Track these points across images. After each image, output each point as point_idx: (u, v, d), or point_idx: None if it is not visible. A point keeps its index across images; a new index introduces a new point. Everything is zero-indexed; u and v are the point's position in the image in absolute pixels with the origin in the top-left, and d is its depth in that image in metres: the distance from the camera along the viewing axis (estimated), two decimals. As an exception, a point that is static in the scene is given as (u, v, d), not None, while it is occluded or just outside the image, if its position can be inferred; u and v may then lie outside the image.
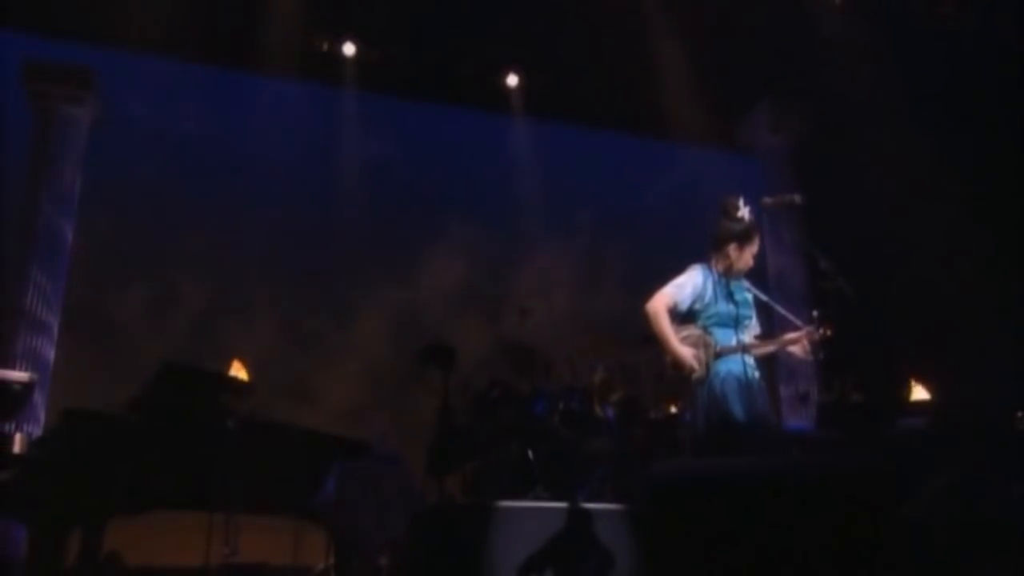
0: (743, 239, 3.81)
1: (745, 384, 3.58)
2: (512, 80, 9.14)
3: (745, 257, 3.83)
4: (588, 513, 4.57)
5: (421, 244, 9.22)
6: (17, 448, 3.96)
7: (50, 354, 7.30)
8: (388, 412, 8.14)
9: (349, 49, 8.67)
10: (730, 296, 3.76)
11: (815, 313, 3.59)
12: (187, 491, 4.70)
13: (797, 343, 3.70)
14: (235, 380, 5.08)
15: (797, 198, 3.89)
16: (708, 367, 3.63)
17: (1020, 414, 4.92)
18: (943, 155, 7.55)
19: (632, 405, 5.97)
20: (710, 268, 3.85)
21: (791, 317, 3.81)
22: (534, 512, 4.63)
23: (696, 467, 2.69)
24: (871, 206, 7.83)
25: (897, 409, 5.71)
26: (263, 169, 8.78)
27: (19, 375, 4.07)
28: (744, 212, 3.83)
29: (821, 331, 3.54)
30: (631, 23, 8.01)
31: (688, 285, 3.78)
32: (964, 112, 7.75)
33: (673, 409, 6.24)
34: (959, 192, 7.28)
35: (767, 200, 3.98)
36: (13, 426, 4.70)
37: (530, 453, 5.50)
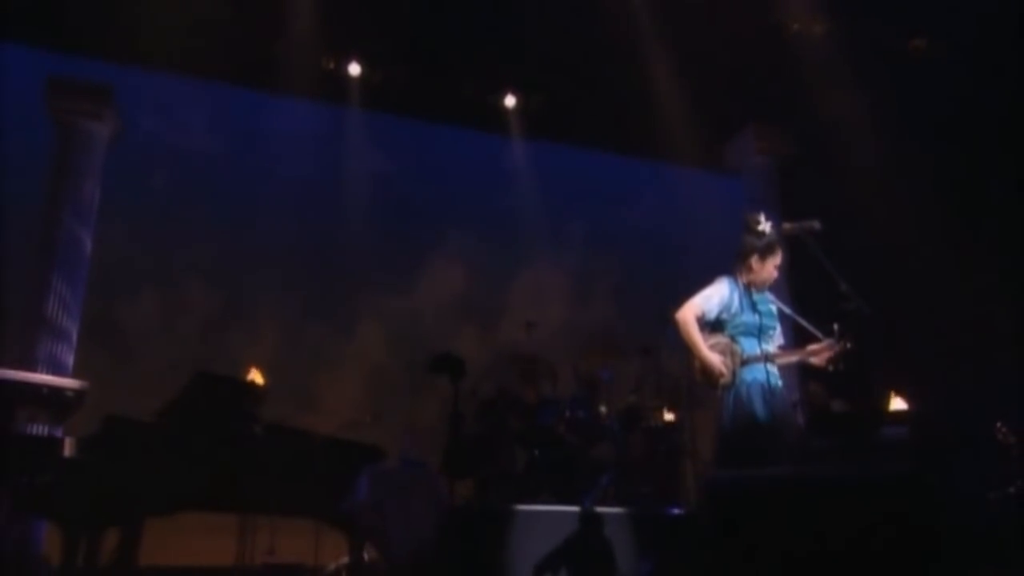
0: (764, 252, 3.92)
1: (769, 391, 3.68)
2: (510, 101, 9.29)
3: (768, 269, 3.93)
4: (599, 516, 4.79)
5: (421, 256, 9.36)
6: (67, 451, 4.04)
7: (69, 360, 7.31)
8: (387, 418, 8.29)
9: (355, 69, 8.78)
10: (755, 307, 3.86)
11: (836, 327, 3.66)
12: (216, 493, 4.81)
13: (819, 355, 3.77)
14: (260, 388, 5.18)
15: (816, 224, 3.87)
16: (735, 374, 3.73)
17: (998, 424, 5.15)
18: (919, 174, 7.81)
19: (633, 413, 6.16)
20: (736, 280, 3.95)
21: (813, 330, 3.86)
22: (550, 516, 4.77)
23: (753, 475, 2.81)
24: (849, 224, 8.08)
25: (878, 419, 5.92)
26: (269, 183, 8.87)
27: (72, 382, 4.17)
28: (766, 227, 3.93)
29: (842, 344, 3.64)
30: (624, 49, 8.17)
31: (715, 296, 3.89)
32: (938, 135, 7.99)
33: (669, 417, 6.46)
34: (936, 209, 7.52)
35: (787, 226, 3.95)
36: (44, 429, 4.80)
37: (536, 452, 5.65)
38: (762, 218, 3.97)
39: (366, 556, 5.10)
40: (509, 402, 6.02)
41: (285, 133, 8.89)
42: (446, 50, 8.56)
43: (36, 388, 4.02)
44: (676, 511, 5.34)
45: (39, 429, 4.49)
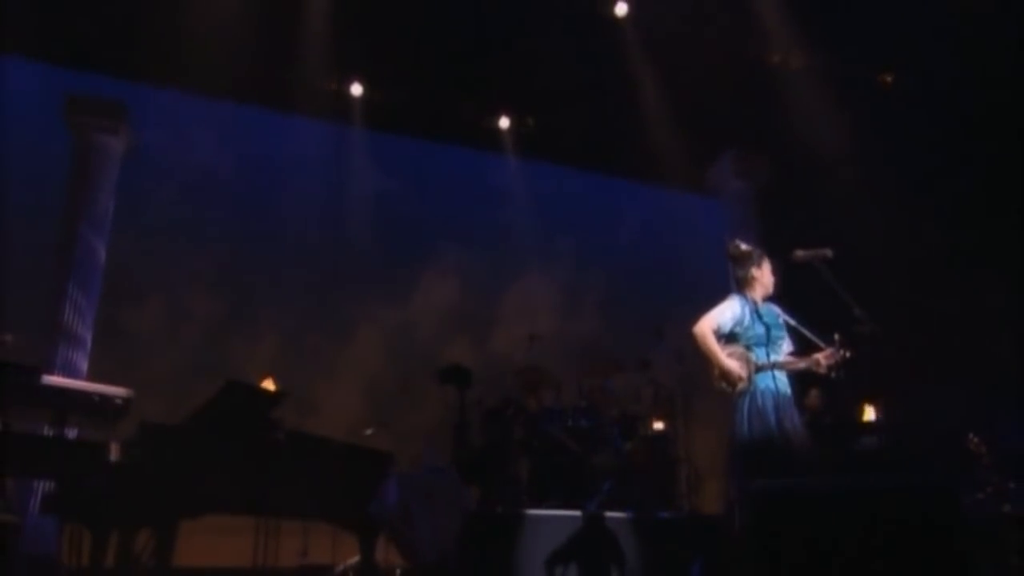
0: (759, 261, 4.21)
1: (778, 397, 3.92)
2: (504, 122, 9.50)
3: (767, 274, 4.20)
4: (602, 520, 4.98)
5: (417, 268, 9.48)
6: (113, 456, 4.13)
7: (84, 365, 7.34)
8: (384, 423, 8.41)
9: (357, 90, 8.92)
10: (762, 319, 4.09)
11: (836, 336, 3.85)
12: (241, 496, 4.92)
13: (820, 364, 3.94)
14: (282, 395, 5.29)
15: (828, 252, 4.03)
16: (750, 380, 3.95)
17: (970, 435, 5.44)
18: (892, 198, 8.11)
19: (631, 423, 6.37)
20: (745, 297, 4.17)
21: (815, 338, 4.02)
22: (558, 520, 4.93)
23: (793, 485, 2.99)
24: (826, 244, 8.34)
25: (855, 429, 6.20)
26: (272, 197, 8.98)
27: (119, 390, 4.25)
28: (744, 245, 4.24)
29: (843, 352, 3.83)
30: (612, 76, 8.44)
31: (728, 311, 4.10)
32: (911, 160, 8.30)
33: (659, 425, 6.68)
34: (908, 229, 7.82)
35: (800, 253, 4.09)
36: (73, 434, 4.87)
37: (540, 459, 5.79)
38: (737, 241, 4.29)
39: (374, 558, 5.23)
40: (514, 411, 6.17)
41: (289, 149, 9.01)
42: (444, 73, 8.73)
43: (88, 396, 4.11)
44: (669, 515, 5.61)
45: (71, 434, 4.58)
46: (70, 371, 7.04)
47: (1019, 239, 7.01)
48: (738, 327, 4.09)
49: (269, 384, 6.50)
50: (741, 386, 3.96)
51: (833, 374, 3.90)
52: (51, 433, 4.11)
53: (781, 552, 2.55)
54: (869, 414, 6.82)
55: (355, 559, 5.55)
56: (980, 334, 7.06)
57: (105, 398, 4.09)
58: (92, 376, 7.49)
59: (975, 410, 6.05)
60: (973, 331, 7.11)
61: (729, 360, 4.00)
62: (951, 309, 7.28)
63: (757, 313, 4.13)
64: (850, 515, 2.57)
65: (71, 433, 4.71)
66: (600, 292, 9.89)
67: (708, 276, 9.72)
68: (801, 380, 4.32)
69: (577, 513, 5.00)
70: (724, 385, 4.01)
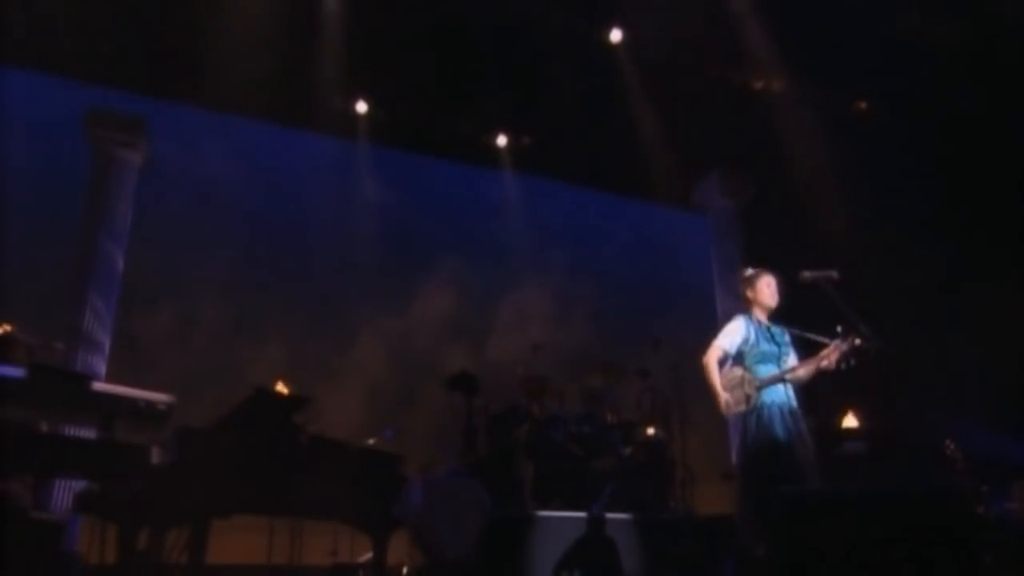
0: (752, 279, 4.31)
1: (787, 411, 3.99)
2: (501, 140, 9.70)
3: (762, 291, 4.27)
4: (605, 521, 5.15)
5: (417, 278, 9.60)
6: (154, 459, 4.24)
7: (102, 370, 7.41)
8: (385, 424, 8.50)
9: (362, 107, 9.09)
10: (770, 337, 4.18)
11: (839, 328, 3.86)
12: (269, 497, 5.05)
13: (829, 358, 3.93)
14: (305, 401, 5.40)
15: (834, 273, 4.03)
16: (750, 399, 4.01)
17: (947, 441, 5.67)
18: (868, 215, 8.39)
19: (632, 428, 6.55)
20: (751, 317, 4.29)
21: (821, 338, 4.01)
22: (564, 520, 5.12)
23: (823, 490, 3.16)
24: (806, 261, 8.59)
25: (838, 435, 6.42)
26: (281, 208, 9.07)
27: (163, 397, 4.35)
28: (749, 270, 4.37)
29: (849, 341, 3.83)
30: (606, 97, 8.66)
31: (736, 333, 4.21)
32: (887, 179, 8.60)
33: (654, 431, 6.87)
34: (891, 241, 8.07)
35: (806, 274, 4.08)
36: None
37: (546, 463, 5.94)
38: (746, 267, 4.44)
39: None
40: (519, 417, 6.31)
41: (297, 164, 9.13)
42: (445, 93, 8.89)
43: (134, 402, 4.22)
44: (668, 516, 5.80)
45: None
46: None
47: (994, 259, 7.28)
48: (744, 346, 4.20)
49: (282, 388, 6.65)
50: (738, 409, 4.06)
51: (844, 366, 3.86)
52: (98, 437, 4.19)
53: (805, 554, 2.71)
54: (851, 421, 7.08)
55: (367, 556, 5.69)
56: (960, 345, 7.31)
57: (150, 404, 4.20)
58: (108, 380, 7.58)
59: (950, 418, 6.28)
60: (951, 343, 7.36)
61: (725, 392, 4.10)
62: (930, 324, 7.53)
63: (766, 332, 4.23)
64: (871, 519, 2.73)
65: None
66: (591, 303, 10.05)
67: (694, 288, 10.00)
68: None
69: (580, 514, 5.16)
70: (726, 410, 4.12)
